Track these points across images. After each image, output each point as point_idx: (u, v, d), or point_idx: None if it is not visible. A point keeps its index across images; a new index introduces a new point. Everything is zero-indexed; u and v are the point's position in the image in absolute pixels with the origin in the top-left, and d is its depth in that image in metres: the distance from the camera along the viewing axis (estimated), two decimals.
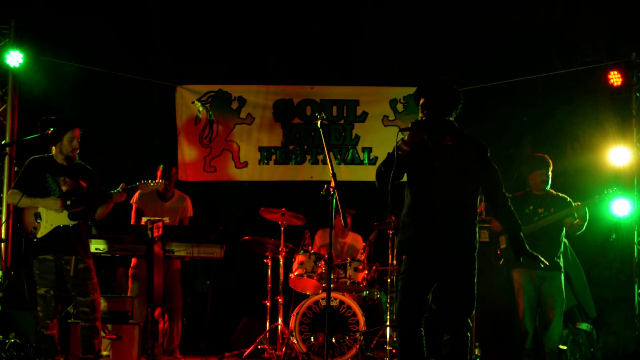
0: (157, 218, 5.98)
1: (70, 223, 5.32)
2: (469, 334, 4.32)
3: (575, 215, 5.89)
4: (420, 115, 4.38)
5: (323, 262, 6.57)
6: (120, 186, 5.54)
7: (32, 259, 5.30)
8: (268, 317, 6.72)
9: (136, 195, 6.59)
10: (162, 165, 6.65)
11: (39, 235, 5.27)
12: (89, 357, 5.31)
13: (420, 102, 4.40)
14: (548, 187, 6.06)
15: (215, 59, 8.59)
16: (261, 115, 7.73)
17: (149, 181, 5.75)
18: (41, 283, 5.26)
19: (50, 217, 5.30)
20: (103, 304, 5.77)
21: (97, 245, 5.90)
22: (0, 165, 7.00)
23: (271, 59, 8.67)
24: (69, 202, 5.30)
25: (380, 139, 7.63)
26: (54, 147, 5.41)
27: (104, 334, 5.69)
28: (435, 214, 4.21)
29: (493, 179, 4.32)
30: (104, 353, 5.70)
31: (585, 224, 5.91)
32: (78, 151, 5.47)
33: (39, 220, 5.28)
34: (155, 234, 5.82)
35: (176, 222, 6.57)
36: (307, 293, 6.71)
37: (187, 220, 6.72)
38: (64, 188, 5.34)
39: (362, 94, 7.76)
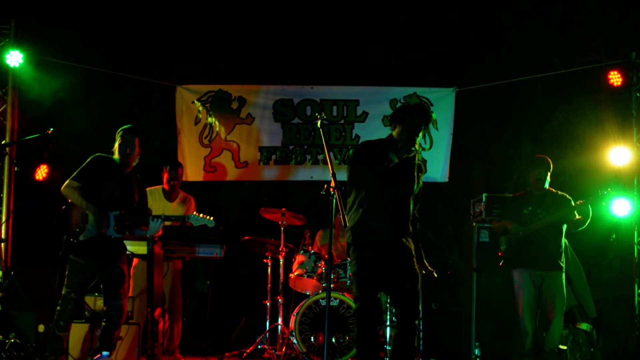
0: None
1: (116, 235, 5.26)
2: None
3: (576, 213, 5.89)
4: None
5: (323, 262, 6.57)
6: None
7: (66, 256, 5.22)
8: (268, 317, 6.72)
9: None
10: (168, 167, 6.63)
11: (82, 238, 5.18)
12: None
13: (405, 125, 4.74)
14: (545, 186, 6.06)
15: (215, 59, 8.60)
16: (261, 115, 7.73)
17: (200, 215, 5.51)
18: (67, 284, 5.19)
19: (96, 224, 5.21)
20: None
21: None
22: (0, 165, 7.00)
23: (271, 59, 8.67)
24: (120, 220, 5.20)
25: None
26: (116, 151, 5.35)
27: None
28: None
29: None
30: (104, 352, 5.69)
31: (588, 221, 5.90)
32: (136, 160, 5.40)
33: (85, 223, 5.18)
34: (156, 234, 5.81)
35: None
36: (307, 293, 6.71)
37: None
38: (116, 195, 5.27)
39: (362, 94, 7.76)
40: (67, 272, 5.22)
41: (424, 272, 4.87)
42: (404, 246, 4.73)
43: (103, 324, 5.28)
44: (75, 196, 5.19)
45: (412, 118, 4.75)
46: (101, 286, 5.32)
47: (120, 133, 5.39)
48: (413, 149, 4.69)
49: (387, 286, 4.78)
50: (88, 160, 5.33)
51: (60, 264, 5.30)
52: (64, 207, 5.24)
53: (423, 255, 4.90)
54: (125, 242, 5.95)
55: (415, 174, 4.85)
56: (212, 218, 5.51)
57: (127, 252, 5.99)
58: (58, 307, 5.20)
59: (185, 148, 7.67)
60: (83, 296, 5.41)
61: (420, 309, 4.80)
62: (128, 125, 5.43)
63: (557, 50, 8.22)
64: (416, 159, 4.88)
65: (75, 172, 5.28)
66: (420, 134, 4.76)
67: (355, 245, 4.73)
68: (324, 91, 7.80)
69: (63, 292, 5.21)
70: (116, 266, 5.27)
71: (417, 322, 4.66)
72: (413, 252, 4.77)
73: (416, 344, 4.71)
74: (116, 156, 5.37)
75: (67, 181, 5.24)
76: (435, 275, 4.93)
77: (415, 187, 4.85)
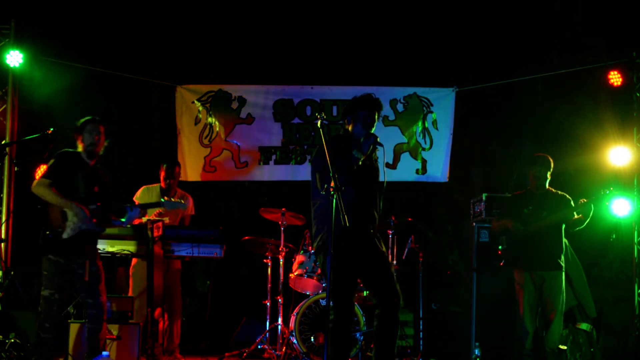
0: (157, 218, 5.98)
1: (97, 229, 5.22)
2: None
3: (575, 213, 5.88)
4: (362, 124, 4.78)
5: None
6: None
7: (43, 256, 5.13)
8: (268, 317, 6.72)
9: (138, 192, 6.60)
10: (165, 165, 6.62)
11: (65, 235, 5.09)
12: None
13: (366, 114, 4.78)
14: (545, 185, 6.06)
15: (215, 59, 8.60)
16: (261, 115, 7.73)
17: (172, 199, 5.54)
18: (47, 284, 5.10)
19: (77, 220, 5.13)
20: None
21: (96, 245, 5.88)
22: (0, 165, 7.00)
23: (271, 59, 8.67)
24: (99, 212, 5.16)
25: (380, 139, 7.60)
26: (80, 144, 5.25)
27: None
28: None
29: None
30: (104, 352, 5.69)
31: (587, 220, 5.90)
32: (102, 150, 5.32)
33: (65, 221, 5.10)
34: (156, 234, 5.82)
35: (177, 221, 6.57)
36: (307, 293, 6.71)
37: (188, 219, 6.72)
38: (90, 188, 5.21)
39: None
40: (45, 273, 5.11)
41: None
42: (375, 244, 4.80)
43: (86, 323, 5.24)
44: (50, 194, 5.07)
45: (361, 107, 4.79)
46: (77, 287, 5.21)
47: (85, 123, 5.26)
48: (378, 143, 4.69)
49: (363, 282, 4.90)
50: (55, 156, 5.22)
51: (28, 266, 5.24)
52: (39, 206, 5.18)
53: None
54: (125, 242, 5.96)
55: (378, 166, 4.88)
56: (183, 201, 5.61)
57: (127, 252, 6.02)
58: (40, 309, 5.10)
59: (185, 148, 7.67)
60: (65, 296, 5.32)
61: (401, 304, 4.88)
62: (89, 117, 5.31)
63: (557, 50, 8.21)
64: (373, 151, 4.88)
65: (46, 170, 5.20)
66: (375, 123, 4.80)
67: (326, 251, 4.71)
68: (324, 91, 7.81)
69: (45, 293, 5.09)
70: (94, 264, 5.20)
71: (400, 302, 4.78)
72: (382, 247, 4.85)
73: (411, 343, 4.76)
74: (81, 149, 5.25)
75: (37, 180, 5.14)
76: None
77: (380, 180, 4.88)
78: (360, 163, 4.65)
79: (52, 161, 5.20)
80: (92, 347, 5.23)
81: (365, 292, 6.77)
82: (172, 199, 5.63)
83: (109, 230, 5.77)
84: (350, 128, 4.83)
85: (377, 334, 4.80)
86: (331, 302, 4.66)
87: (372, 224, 4.79)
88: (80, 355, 5.53)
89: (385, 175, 4.90)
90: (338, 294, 4.66)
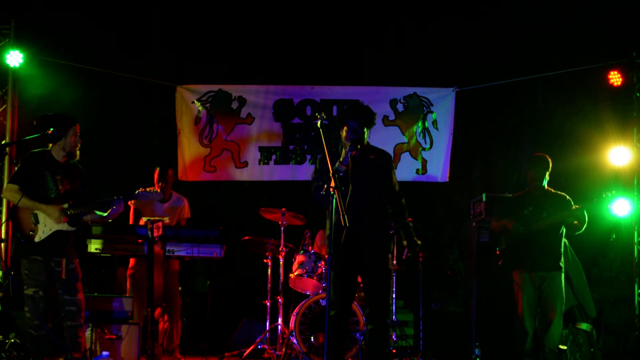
0: (157, 218, 5.98)
1: (70, 228, 5.25)
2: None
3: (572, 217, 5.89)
4: (346, 137, 4.97)
5: (323, 262, 6.57)
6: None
7: (22, 259, 5.19)
8: (268, 317, 6.72)
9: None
10: (158, 168, 6.64)
11: (37, 239, 5.15)
12: (76, 356, 5.22)
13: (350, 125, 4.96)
14: (544, 186, 6.06)
15: (215, 59, 8.58)
16: (261, 115, 7.73)
17: (147, 189, 5.57)
18: (30, 283, 5.14)
19: (49, 221, 5.19)
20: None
21: (96, 245, 5.89)
22: (0, 165, 7.00)
23: (271, 59, 8.66)
24: (70, 212, 5.20)
25: (381, 139, 7.62)
26: (51, 144, 5.30)
27: (103, 334, 5.69)
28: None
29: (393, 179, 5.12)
30: (104, 352, 5.69)
31: (584, 226, 5.91)
32: (79, 147, 5.38)
33: (36, 223, 5.16)
34: (156, 234, 5.82)
35: (173, 224, 6.57)
36: (307, 293, 6.71)
37: (184, 222, 6.72)
38: (61, 188, 5.25)
39: (362, 94, 7.74)
40: (26, 272, 5.15)
41: (409, 254, 5.13)
42: (376, 246, 4.88)
43: (66, 323, 5.23)
44: (18, 198, 5.13)
45: (348, 120, 4.97)
46: (57, 284, 5.24)
47: (63, 124, 5.27)
48: (357, 149, 4.85)
49: (362, 285, 5.00)
50: (22, 159, 5.28)
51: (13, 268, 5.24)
52: (9, 211, 5.20)
53: (411, 234, 5.04)
54: (125, 242, 5.96)
55: (377, 169, 4.99)
56: (158, 190, 5.68)
57: (127, 253, 6.02)
58: (26, 308, 5.12)
59: (185, 148, 7.67)
60: (50, 293, 5.30)
61: (394, 309, 5.07)
62: (68, 118, 5.36)
63: (557, 50, 8.21)
64: (373, 153, 5.04)
65: (13, 175, 5.27)
66: (366, 131, 4.97)
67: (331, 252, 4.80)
68: (324, 91, 7.81)
69: (29, 292, 5.12)
70: (71, 262, 5.24)
71: (387, 321, 4.91)
72: (383, 248, 4.93)
73: (411, 342, 4.84)
74: (56, 149, 5.29)
75: (6, 185, 5.23)
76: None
77: (379, 181, 4.98)
78: (341, 173, 4.79)
79: (19, 164, 5.26)
80: (74, 343, 5.23)
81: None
82: (142, 189, 5.55)
83: (108, 230, 5.79)
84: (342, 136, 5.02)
85: (368, 353, 5.02)
86: (330, 297, 4.82)
87: (372, 223, 4.87)
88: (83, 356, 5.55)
89: (386, 175, 4.96)
90: (335, 288, 4.83)
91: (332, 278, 4.75)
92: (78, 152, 5.40)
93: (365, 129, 4.99)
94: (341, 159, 4.86)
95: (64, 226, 5.22)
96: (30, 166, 5.25)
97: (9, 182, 5.29)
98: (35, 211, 5.18)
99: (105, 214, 5.37)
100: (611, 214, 6.90)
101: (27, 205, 5.17)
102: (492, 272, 6.56)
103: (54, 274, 5.21)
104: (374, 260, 4.89)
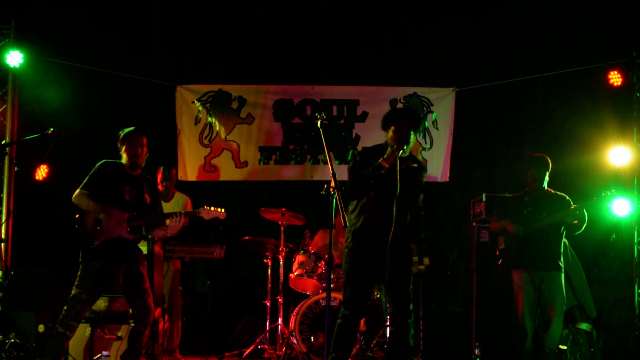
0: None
1: (129, 237, 5.28)
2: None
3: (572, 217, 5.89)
4: (394, 137, 4.92)
5: (323, 262, 6.57)
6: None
7: (81, 261, 5.23)
8: (268, 317, 6.72)
9: None
10: (162, 167, 6.66)
11: (97, 242, 5.19)
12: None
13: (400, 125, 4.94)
14: (543, 186, 6.06)
15: (215, 59, 8.59)
16: (261, 115, 7.73)
17: (211, 208, 5.50)
18: (78, 284, 5.18)
19: (111, 227, 5.22)
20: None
21: None
22: (0, 165, 7.00)
23: (271, 59, 8.66)
24: (133, 221, 5.26)
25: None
26: (124, 154, 5.36)
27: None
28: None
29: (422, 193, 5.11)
30: (104, 352, 5.70)
31: (584, 225, 5.91)
32: (144, 160, 5.43)
33: (98, 227, 5.19)
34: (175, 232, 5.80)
35: None
36: (307, 293, 6.71)
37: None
38: (127, 198, 5.30)
39: (362, 94, 7.76)
40: (79, 273, 5.21)
41: (421, 267, 4.95)
42: (401, 249, 4.84)
43: (131, 324, 5.29)
44: (87, 203, 5.22)
45: (401, 120, 4.94)
46: (120, 289, 5.33)
47: (127, 135, 5.38)
48: (404, 150, 4.83)
49: (383, 285, 4.93)
50: (95, 167, 5.36)
51: (67, 267, 5.27)
52: (77, 215, 5.24)
53: (423, 252, 5.01)
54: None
55: (413, 177, 4.96)
56: (223, 210, 5.50)
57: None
58: (65, 307, 5.17)
59: (185, 148, 7.68)
60: (94, 300, 5.37)
61: (413, 308, 4.97)
62: (132, 128, 5.43)
63: (557, 50, 8.21)
64: (411, 159, 5.02)
65: (84, 181, 5.32)
66: (413, 136, 4.91)
67: (354, 249, 4.88)
68: (323, 91, 7.81)
69: (73, 292, 5.18)
70: (132, 267, 5.28)
71: (409, 320, 4.88)
72: (408, 253, 4.91)
73: (411, 343, 4.84)
74: (124, 160, 5.37)
75: (77, 191, 5.27)
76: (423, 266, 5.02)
77: (412, 190, 4.95)
78: (383, 172, 4.79)
79: (92, 171, 5.33)
80: (131, 347, 5.26)
81: None
82: (207, 208, 5.48)
83: None
84: (387, 137, 5.00)
85: (390, 353, 5.07)
86: (345, 295, 4.83)
87: (399, 231, 4.82)
88: (82, 356, 5.56)
89: (417, 183, 5.01)
90: (353, 288, 4.84)
91: (350, 277, 4.82)
92: (142, 163, 5.42)
93: (412, 132, 4.96)
94: (385, 156, 4.81)
95: (124, 233, 5.26)
96: (102, 173, 5.31)
97: (80, 188, 5.29)
98: (100, 217, 5.21)
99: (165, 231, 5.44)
100: (611, 214, 6.90)
101: (94, 209, 5.22)
102: (492, 272, 6.56)
103: (111, 280, 5.25)
104: (400, 262, 4.82)
